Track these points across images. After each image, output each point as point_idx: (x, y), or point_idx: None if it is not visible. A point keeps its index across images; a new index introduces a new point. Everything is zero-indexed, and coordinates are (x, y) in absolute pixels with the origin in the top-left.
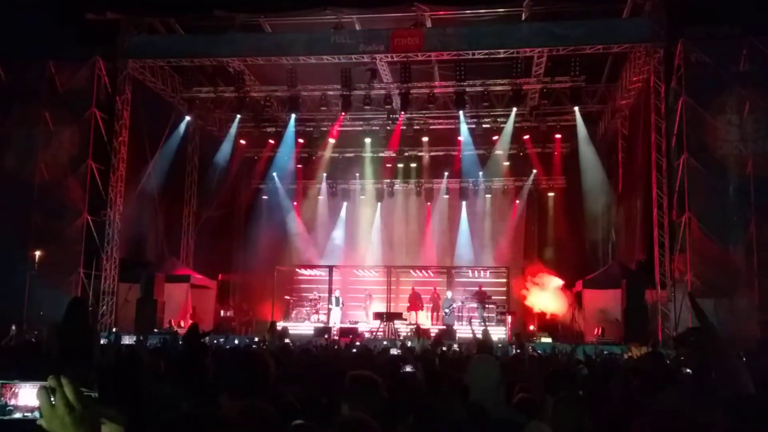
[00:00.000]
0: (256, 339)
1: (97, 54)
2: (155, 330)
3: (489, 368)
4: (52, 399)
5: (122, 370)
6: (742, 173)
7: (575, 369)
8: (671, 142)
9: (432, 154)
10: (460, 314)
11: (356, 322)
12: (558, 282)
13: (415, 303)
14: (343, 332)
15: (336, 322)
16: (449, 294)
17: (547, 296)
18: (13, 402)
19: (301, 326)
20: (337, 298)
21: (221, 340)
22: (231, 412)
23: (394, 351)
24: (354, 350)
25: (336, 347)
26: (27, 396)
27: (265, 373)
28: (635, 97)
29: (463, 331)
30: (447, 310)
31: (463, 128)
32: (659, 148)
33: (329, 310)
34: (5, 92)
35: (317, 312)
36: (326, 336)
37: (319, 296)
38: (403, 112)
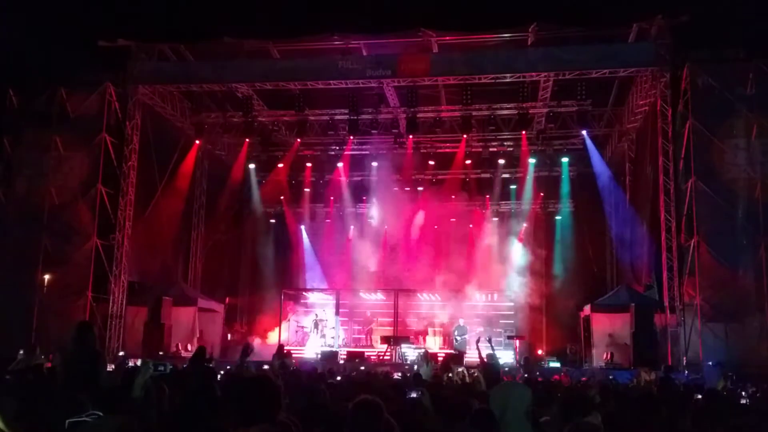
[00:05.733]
0: (265, 366)
1: (107, 80)
2: (161, 353)
3: (521, 394)
4: None
5: (122, 391)
6: (751, 197)
7: (587, 394)
8: (679, 165)
9: (438, 177)
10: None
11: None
12: None
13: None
14: (350, 356)
15: (315, 348)
16: (461, 321)
17: None
18: None
19: (307, 350)
20: (315, 322)
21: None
22: None
23: (397, 375)
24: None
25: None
26: None
27: (276, 398)
28: (642, 120)
29: (470, 355)
30: (458, 338)
31: (470, 152)
32: (667, 172)
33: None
34: (17, 117)
35: (323, 336)
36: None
37: (319, 320)
38: (411, 136)
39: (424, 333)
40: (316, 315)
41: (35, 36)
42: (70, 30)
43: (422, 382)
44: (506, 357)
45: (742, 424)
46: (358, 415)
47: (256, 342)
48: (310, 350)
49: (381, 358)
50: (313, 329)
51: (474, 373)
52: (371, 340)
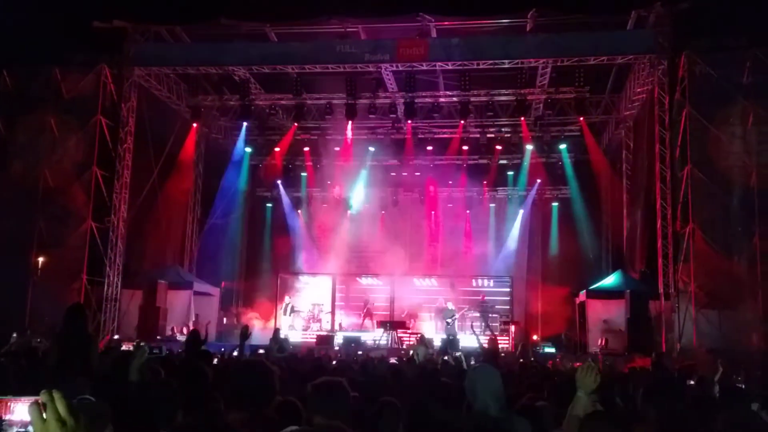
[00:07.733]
0: (261, 351)
1: (103, 61)
2: (158, 337)
3: (490, 377)
4: (44, 414)
5: (114, 376)
6: (746, 185)
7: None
8: (675, 153)
9: (436, 163)
10: (461, 323)
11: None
12: None
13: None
14: (347, 341)
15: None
16: (450, 305)
17: None
18: (8, 417)
19: (304, 334)
20: (287, 306)
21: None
22: (234, 423)
23: (393, 360)
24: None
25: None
26: (22, 411)
27: (270, 382)
28: (639, 107)
29: (465, 340)
30: (449, 320)
31: (467, 138)
32: (663, 159)
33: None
34: (11, 99)
35: (319, 320)
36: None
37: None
38: (409, 121)
39: (415, 317)
40: (288, 299)
41: (29, 17)
42: (65, 10)
43: (415, 366)
44: (502, 342)
45: (737, 410)
46: (317, 397)
47: (257, 326)
48: (307, 334)
49: (377, 342)
50: (291, 313)
51: (471, 359)
52: (365, 324)
